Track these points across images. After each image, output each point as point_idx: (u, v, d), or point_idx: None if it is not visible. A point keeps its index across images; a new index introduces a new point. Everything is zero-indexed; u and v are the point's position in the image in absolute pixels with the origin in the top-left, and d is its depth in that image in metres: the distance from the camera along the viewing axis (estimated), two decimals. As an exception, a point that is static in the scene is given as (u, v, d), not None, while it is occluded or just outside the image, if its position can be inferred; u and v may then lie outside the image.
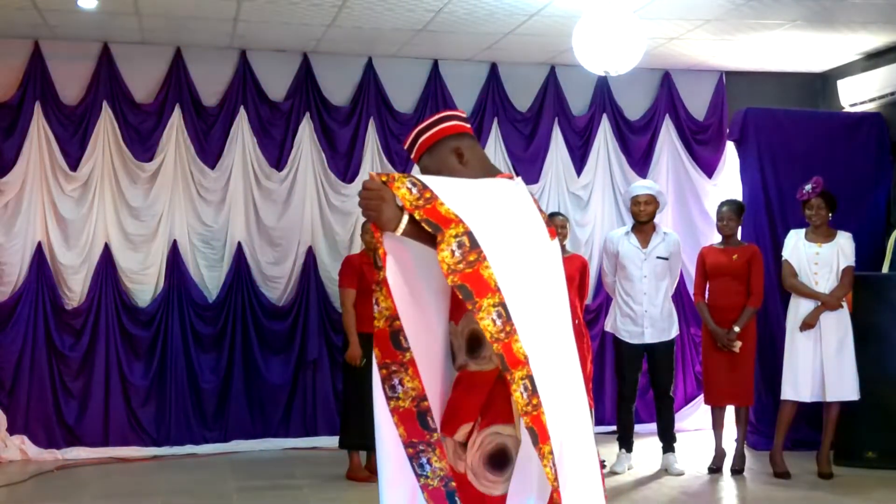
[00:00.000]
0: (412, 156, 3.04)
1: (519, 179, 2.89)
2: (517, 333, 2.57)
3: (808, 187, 6.83)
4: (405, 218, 2.61)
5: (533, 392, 2.58)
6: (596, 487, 2.89)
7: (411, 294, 2.82)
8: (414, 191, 2.59)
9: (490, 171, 3.00)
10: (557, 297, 2.79)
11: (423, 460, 2.80)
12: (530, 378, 2.58)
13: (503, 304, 2.58)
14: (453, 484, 2.80)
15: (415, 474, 2.79)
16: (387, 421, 2.80)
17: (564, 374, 2.74)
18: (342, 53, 8.04)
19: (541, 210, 2.87)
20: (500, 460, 2.80)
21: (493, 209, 2.70)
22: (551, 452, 2.61)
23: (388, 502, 2.82)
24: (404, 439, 2.79)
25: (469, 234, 2.56)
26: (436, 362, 2.90)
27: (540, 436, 2.59)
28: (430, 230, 2.58)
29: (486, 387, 2.80)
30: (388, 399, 2.80)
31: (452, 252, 2.56)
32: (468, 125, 3.06)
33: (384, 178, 2.63)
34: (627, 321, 7.00)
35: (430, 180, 2.66)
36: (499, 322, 2.56)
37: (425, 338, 2.86)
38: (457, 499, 2.79)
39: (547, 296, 2.74)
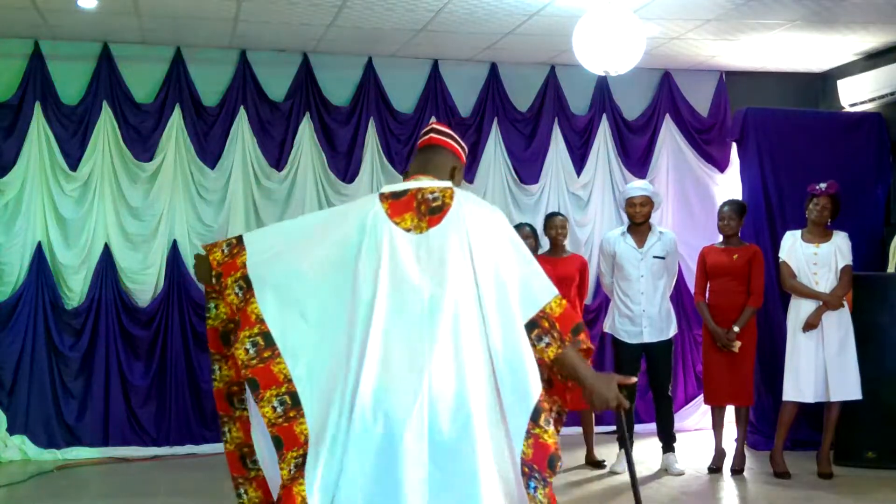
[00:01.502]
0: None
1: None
2: (301, 417, 2.90)
3: (822, 185, 6.84)
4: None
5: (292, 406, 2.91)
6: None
7: None
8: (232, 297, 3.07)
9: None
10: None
11: (241, 491, 3.17)
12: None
13: (289, 393, 2.91)
14: None
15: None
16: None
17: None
18: (342, 53, 8.04)
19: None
20: None
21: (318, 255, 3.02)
22: (296, 457, 2.87)
23: None
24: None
25: (265, 334, 2.94)
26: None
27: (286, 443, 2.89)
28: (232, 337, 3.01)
29: None
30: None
31: (247, 350, 2.95)
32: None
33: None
34: (626, 321, 7.00)
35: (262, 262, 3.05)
36: (279, 409, 2.91)
37: None
38: None
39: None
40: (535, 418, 2.86)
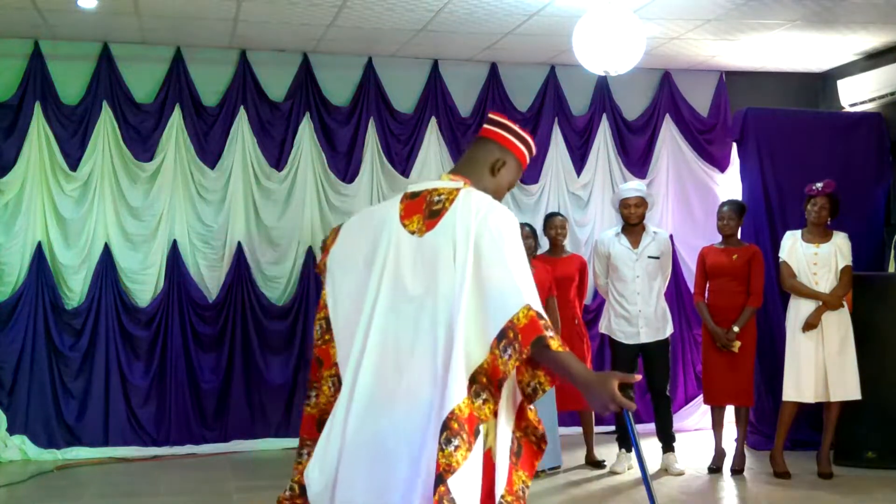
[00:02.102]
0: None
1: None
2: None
3: (818, 185, 6.83)
4: None
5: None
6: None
7: None
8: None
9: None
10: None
11: (304, 451, 3.09)
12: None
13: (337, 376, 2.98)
14: None
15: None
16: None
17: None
18: (342, 53, 8.04)
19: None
20: None
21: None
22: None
23: None
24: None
25: (326, 318, 3.00)
26: None
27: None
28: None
29: None
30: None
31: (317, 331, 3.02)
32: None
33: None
34: (622, 322, 7.00)
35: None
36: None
37: None
38: None
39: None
40: (442, 433, 2.72)
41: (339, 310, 3.00)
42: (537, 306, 2.80)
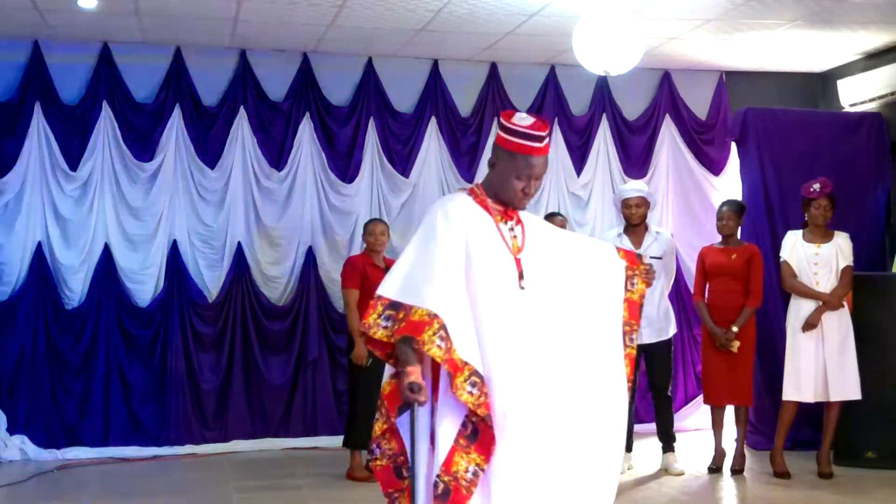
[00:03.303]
0: (541, 150, 3.38)
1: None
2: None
3: (816, 186, 6.82)
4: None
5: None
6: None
7: None
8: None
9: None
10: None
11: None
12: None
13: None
14: None
15: None
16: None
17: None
18: (342, 53, 8.04)
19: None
20: None
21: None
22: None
23: None
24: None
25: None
26: None
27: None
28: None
29: None
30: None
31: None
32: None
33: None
34: (624, 322, 6.98)
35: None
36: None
37: None
38: None
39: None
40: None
41: None
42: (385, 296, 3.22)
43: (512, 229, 3.38)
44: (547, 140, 3.37)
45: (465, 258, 3.26)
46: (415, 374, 3.05)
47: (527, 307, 3.29)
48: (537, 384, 3.25)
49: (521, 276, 3.31)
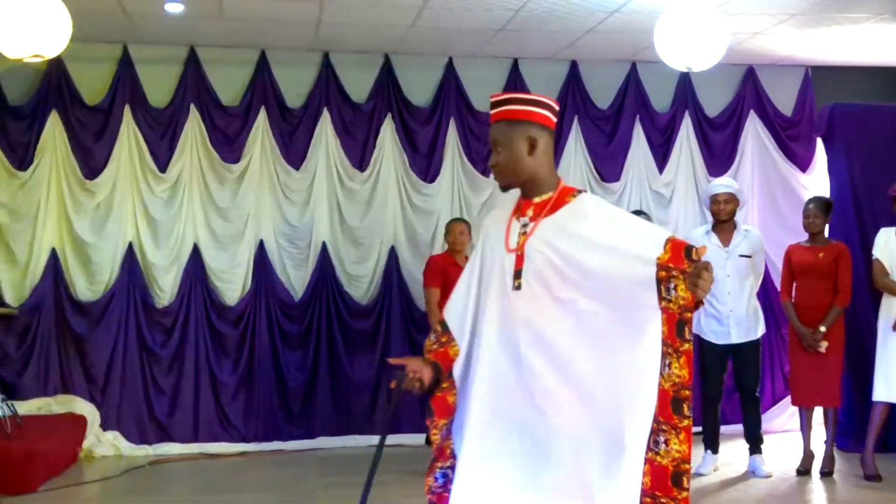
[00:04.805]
0: (491, 116, 3.13)
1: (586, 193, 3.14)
2: None
3: None
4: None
5: None
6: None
7: None
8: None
9: (554, 174, 3.15)
10: None
11: (661, 439, 2.92)
12: None
13: None
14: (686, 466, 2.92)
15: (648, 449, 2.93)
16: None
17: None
18: (423, 54, 8.09)
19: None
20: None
21: None
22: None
23: None
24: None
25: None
26: None
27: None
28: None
29: None
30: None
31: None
32: (554, 121, 3.16)
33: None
34: (712, 321, 6.91)
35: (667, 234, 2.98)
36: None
37: None
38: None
39: None
40: None
41: None
42: None
43: (525, 225, 3.10)
44: (504, 107, 3.08)
45: (479, 265, 3.23)
46: (412, 363, 3.16)
47: (517, 308, 3.03)
48: (508, 390, 3.03)
49: (516, 276, 3.04)
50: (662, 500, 2.90)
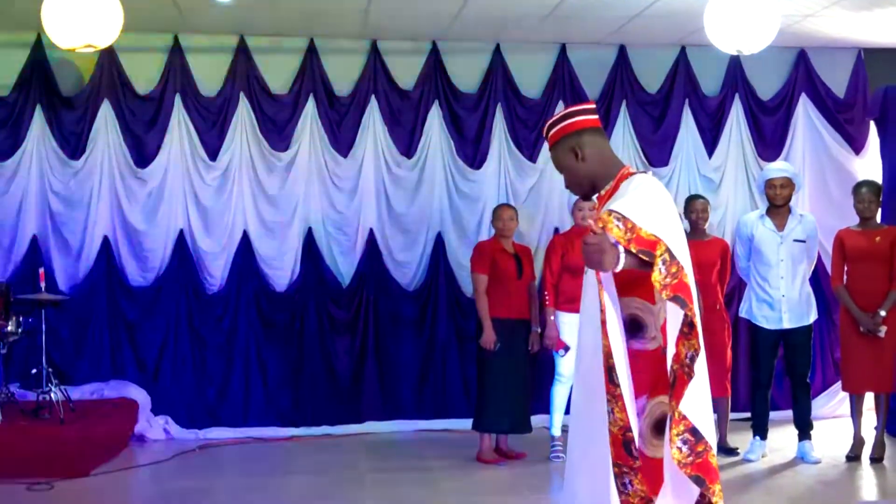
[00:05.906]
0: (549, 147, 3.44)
1: (650, 173, 3.33)
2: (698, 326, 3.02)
3: None
4: (622, 256, 2.92)
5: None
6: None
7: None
8: (620, 226, 2.94)
9: (610, 166, 3.36)
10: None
11: (626, 480, 3.12)
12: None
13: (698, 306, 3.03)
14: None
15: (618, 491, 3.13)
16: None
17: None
18: (470, 40, 8.08)
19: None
20: (662, 426, 3.11)
21: (664, 215, 3.09)
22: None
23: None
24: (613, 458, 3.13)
25: (668, 250, 2.93)
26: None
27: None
28: (644, 258, 2.93)
29: (654, 363, 3.13)
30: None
31: (660, 270, 2.92)
32: (592, 116, 3.39)
33: (600, 225, 2.93)
34: (764, 306, 6.84)
35: (622, 207, 3.00)
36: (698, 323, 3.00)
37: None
38: None
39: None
40: None
41: None
42: None
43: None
44: (548, 137, 3.42)
45: None
46: None
47: None
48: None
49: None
50: None
